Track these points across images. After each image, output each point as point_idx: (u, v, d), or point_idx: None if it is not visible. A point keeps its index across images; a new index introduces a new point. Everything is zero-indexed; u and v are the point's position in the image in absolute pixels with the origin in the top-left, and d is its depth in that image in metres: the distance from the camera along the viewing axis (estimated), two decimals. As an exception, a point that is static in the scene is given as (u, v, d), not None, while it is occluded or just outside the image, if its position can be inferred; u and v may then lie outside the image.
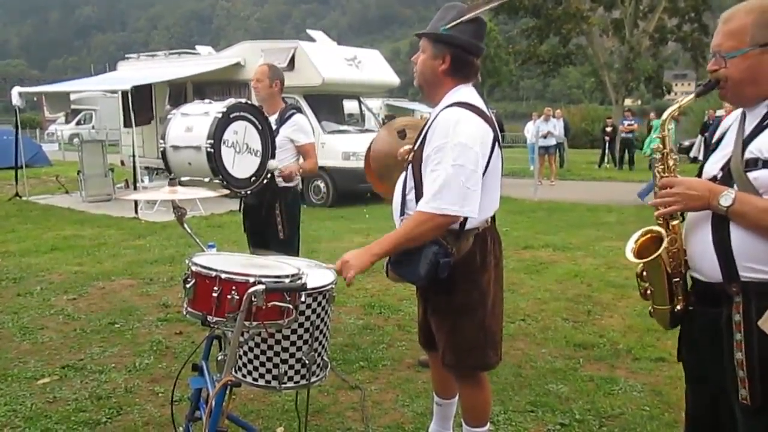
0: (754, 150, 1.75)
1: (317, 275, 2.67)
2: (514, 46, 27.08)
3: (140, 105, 11.10)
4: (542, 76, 30.93)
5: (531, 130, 17.81)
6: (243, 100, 4.03)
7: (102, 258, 7.31)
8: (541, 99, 72.09)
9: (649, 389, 3.75)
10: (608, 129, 20.44)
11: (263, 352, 2.55)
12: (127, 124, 11.64)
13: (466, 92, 2.42)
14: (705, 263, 1.82)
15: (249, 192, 4.02)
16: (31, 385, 3.81)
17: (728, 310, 1.79)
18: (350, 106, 14.65)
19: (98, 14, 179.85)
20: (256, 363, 2.55)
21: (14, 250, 7.66)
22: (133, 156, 10.72)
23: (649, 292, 1.96)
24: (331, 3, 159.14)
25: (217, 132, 3.76)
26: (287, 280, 2.21)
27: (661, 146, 1.91)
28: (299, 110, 4.59)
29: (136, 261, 7.11)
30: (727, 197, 1.72)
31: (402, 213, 2.47)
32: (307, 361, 2.61)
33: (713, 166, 1.88)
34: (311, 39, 12.56)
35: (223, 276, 2.14)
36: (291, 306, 2.21)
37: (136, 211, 10.43)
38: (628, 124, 19.87)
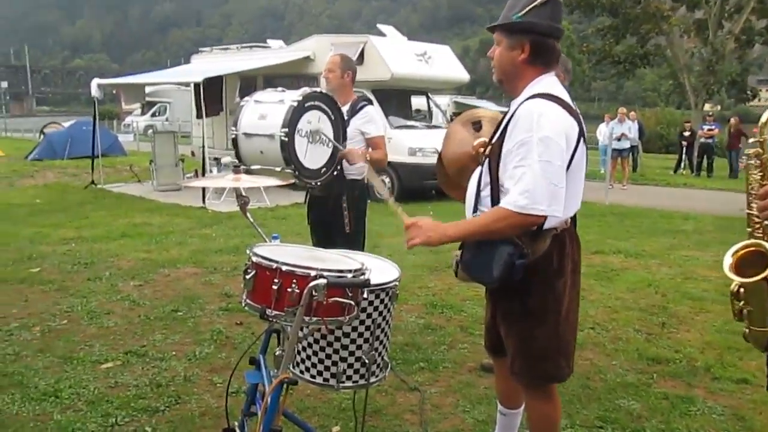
0: None
1: (381, 271, 2.56)
2: (588, 45, 26.19)
3: (211, 97, 11.31)
4: (617, 77, 29.83)
5: (604, 131, 17.22)
6: (318, 89, 3.95)
7: (169, 246, 7.46)
8: (614, 101, 69.85)
9: (730, 413, 3.47)
10: (686, 133, 19.50)
11: (322, 349, 2.46)
12: (198, 115, 11.89)
13: (549, 82, 2.27)
14: None
15: (319, 183, 3.96)
16: (95, 368, 3.87)
17: None
18: (418, 102, 14.52)
19: (175, 10, 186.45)
20: (315, 360, 2.47)
21: (87, 236, 7.92)
22: (203, 146, 10.94)
23: (744, 312, 1.76)
24: (402, 0, 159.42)
25: (292, 121, 3.70)
26: (350, 275, 2.12)
27: (760, 151, 1.71)
28: (370, 102, 4.49)
29: (202, 250, 7.21)
30: None
31: (475, 210, 2.34)
32: (367, 361, 2.51)
33: None
34: (381, 34, 12.48)
35: (284, 268, 2.06)
36: (353, 302, 2.12)
37: (204, 201, 10.64)
38: (709, 129, 18.95)
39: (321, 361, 2.48)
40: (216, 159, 12.07)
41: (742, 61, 25.37)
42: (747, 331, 1.81)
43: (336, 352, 2.47)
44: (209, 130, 10.88)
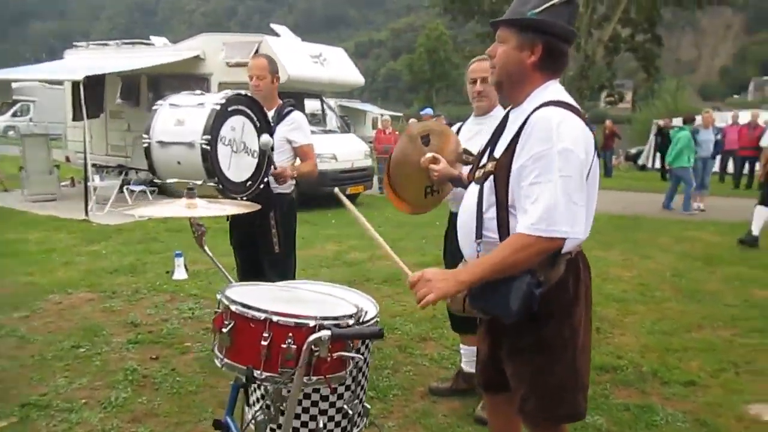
0: None
1: (359, 305, 2.22)
2: (470, 49, 26.89)
3: (90, 97, 10.26)
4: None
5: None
6: (243, 92, 3.54)
7: (54, 267, 6.57)
8: (487, 105, 72.79)
9: (691, 418, 3.45)
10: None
11: (298, 402, 2.08)
12: (77, 117, 10.77)
13: (558, 89, 2.03)
14: None
15: (245, 198, 3.53)
16: (-16, 430, 3.19)
17: None
18: (312, 105, 14.11)
19: (35, 1, 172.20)
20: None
21: (-52, 258, 6.84)
22: (84, 152, 9.89)
23: None
24: (277, 1, 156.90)
25: (215, 127, 3.28)
26: (351, 321, 1.76)
27: None
28: (297, 107, 4.12)
29: (93, 270, 6.41)
30: None
31: (480, 235, 2.04)
32: (350, 411, 2.16)
33: None
34: (275, 34, 11.94)
35: (276, 319, 1.66)
36: (354, 353, 1.77)
37: (86, 213, 9.62)
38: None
39: (297, 416, 2.10)
40: (96, 166, 11.02)
41: (610, 67, 27.11)
42: None
43: (315, 404, 2.10)
44: (86, 133, 9.83)
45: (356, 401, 2.19)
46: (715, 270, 6.92)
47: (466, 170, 3.30)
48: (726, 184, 17.28)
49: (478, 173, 2.16)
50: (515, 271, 1.88)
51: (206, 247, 2.10)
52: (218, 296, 1.80)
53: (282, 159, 3.87)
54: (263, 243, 3.87)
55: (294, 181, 4.03)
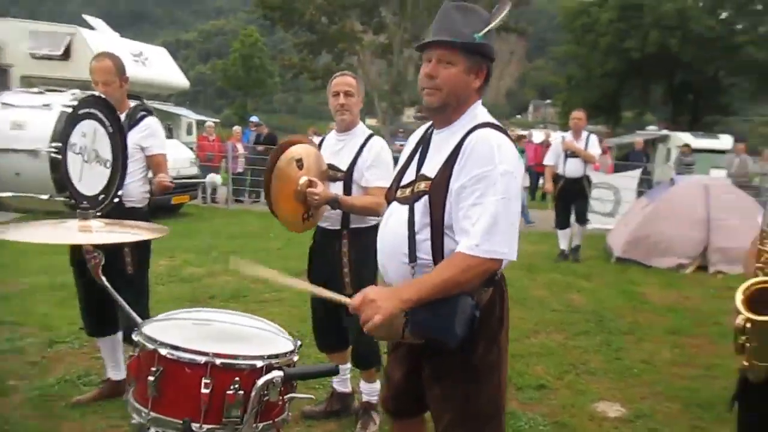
0: None
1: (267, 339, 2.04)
2: (290, 58, 26.80)
3: None
4: (317, 91, 31.12)
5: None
6: (95, 93, 3.14)
7: None
8: (294, 113, 73.45)
9: (551, 421, 3.68)
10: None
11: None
12: None
13: (486, 111, 2.07)
14: None
15: (98, 214, 3.11)
16: None
17: None
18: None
19: None
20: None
21: None
22: None
23: (748, 346, 1.76)
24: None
25: (65, 132, 2.85)
26: (296, 358, 1.60)
27: None
28: (150, 112, 3.76)
29: None
30: None
31: (413, 258, 1.97)
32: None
33: None
34: (90, 27, 10.86)
35: (219, 362, 1.44)
36: (305, 394, 1.61)
37: None
38: (401, 144, 20.90)
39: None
40: None
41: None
42: (746, 365, 1.81)
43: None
44: None
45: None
46: (536, 277, 7.55)
47: (334, 187, 3.27)
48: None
49: (402, 193, 2.10)
50: (457, 291, 1.86)
51: (104, 278, 1.77)
52: (135, 337, 1.52)
53: (134, 168, 3.52)
54: (114, 263, 3.44)
55: (148, 195, 3.69)
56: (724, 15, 35.45)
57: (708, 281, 7.57)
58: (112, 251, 3.40)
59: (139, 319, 1.76)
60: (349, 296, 3.25)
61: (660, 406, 3.89)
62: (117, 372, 3.63)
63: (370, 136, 3.36)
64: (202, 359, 1.44)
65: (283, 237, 9.36)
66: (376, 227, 3.35)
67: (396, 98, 25.51)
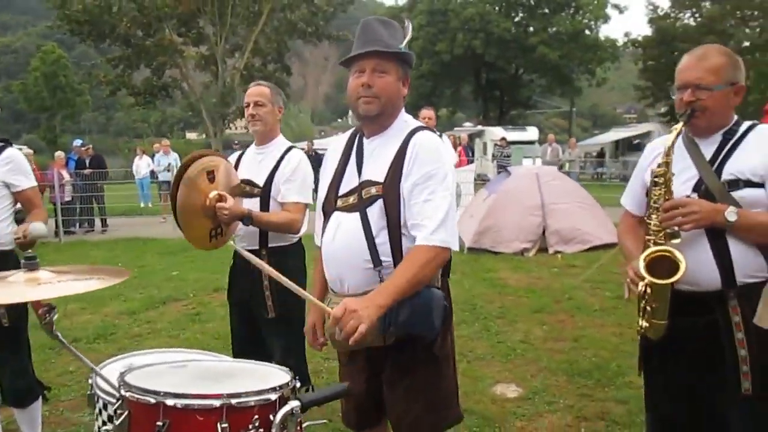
0: (733, 172, 2.03)
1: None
2: (106, 75, 24.91)
3: None
4: (138, 108, 29.22)
5: (141, 165, 16.97)
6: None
7: None
8: (105, 132, 68.26)
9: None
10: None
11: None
12: None
13: (410, 116, 2.26)
14: (702, 274, 2.02)
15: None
16: None
17: (723, 314, 2.01)
18: None
19: None
20: None
21: None
22: None
23: (648, 308, 2.04)
24: None
25: None
26: (299, 385, 1.59)
27: (665, 170, 2.02)
28: (10, 143, 3.37)
29: None
30: (732, 213, 1.95)
31: (377, 263, 2.04)
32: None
33: (679, 188, 2.07)
34: None
35: (235, 402, 1.39)
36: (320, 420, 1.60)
37: None
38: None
39: None
40: None
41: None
42: (647, 325, 2.08)
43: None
44: None
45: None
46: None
47: (248, 203, 3.17)
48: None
49: (345, 202, 2.14)
50: (422, 285, 1.98)
51: (59, 334, 1.61)
52: (125, 393, 1.42)
53: (0, 207, 3.16)
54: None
55: (14, 236, 3.31)
56: (518, 18, 39.18)
57: (550, 261, 8.37)
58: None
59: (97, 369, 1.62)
60: (273, 318, 3.23)
61: (549, 381, 4.27)
62: None
63: (288, 149, 3.27)
64: (217, 402, 1.38)
65: (132, 264, 8.79)
66: (298, 244, 3.34)
67: (225, 110, 24.86)
